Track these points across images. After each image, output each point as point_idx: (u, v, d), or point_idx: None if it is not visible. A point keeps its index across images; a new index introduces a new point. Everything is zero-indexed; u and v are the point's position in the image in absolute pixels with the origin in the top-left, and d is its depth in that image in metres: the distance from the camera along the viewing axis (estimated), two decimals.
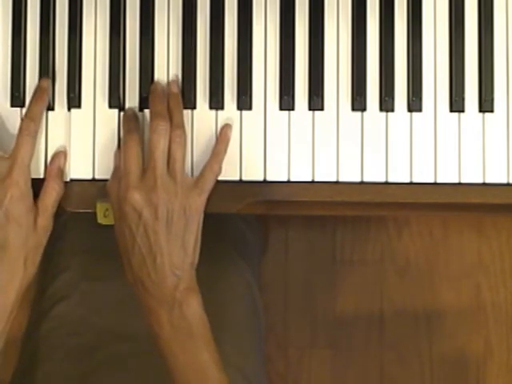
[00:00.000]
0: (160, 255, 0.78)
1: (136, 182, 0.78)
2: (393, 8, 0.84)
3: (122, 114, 0.83)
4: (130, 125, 0.82)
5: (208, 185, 0.81)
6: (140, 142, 0.80)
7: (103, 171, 0.83)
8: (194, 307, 0.78)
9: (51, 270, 0.97)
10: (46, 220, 0.81)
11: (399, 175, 0.83)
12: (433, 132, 0.84)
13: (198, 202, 0.80)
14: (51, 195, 0.81)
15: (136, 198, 0.77)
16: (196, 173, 0.82)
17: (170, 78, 0.84)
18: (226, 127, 0.83)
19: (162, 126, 0.79)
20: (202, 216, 0.80)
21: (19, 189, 0.79)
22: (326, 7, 0.84)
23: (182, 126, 0.81)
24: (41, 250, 0.81)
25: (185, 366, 0.77)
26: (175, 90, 0.83)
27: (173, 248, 0.78)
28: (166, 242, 0.78)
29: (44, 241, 0.82)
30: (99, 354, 0.91)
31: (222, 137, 0.83)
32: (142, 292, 0.79)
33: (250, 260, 1.05)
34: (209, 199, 0.81)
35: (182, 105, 0.83)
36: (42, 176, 0.83)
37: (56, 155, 0.83)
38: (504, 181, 0.84)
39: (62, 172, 0.83)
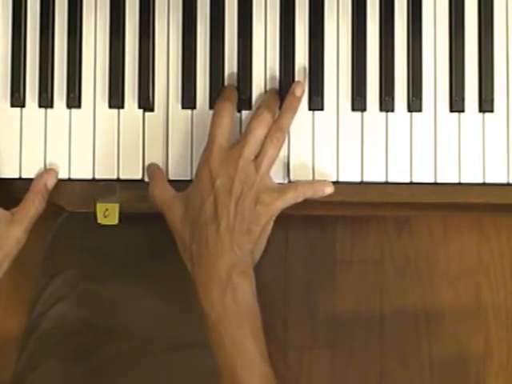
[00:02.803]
0: (225, 224, 0.75)
1: (219, 151, 0.77)
2: (393, 8, 0.84)
3: (121, 111, 0.84)
4: (227, 93, 0.81)
5: (287, 198, 0.78)
6: (232, 114, 0.79)
7: (103, 171, 0.83)
8: (248, 293, 0.76)
9: (50, 269, 0.97)
10: (19, 231, 0.78)
11: (399, 175, 0.83)
12: (433, 132, 0.84)
13: (273, 205, 0.77)
14: (29, 209, 0.79)
15: (215, 163, 0.76)
16: (194, 174, 0.82)
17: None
18: (325, 185, 0.81)
19: (264, 117, 0.79)
20: (272, 220, 0.78)
21: None
22: (326, 7, 0.84)
23: (284, 131, 0.80)
24: (7, 262, 0.78)
25: (231, 353, 0.74)
26: (299, 93, 0.82)
27: (238, 226, 0.76)
28: (232, 217, 0.76)
29: (13, 252, 0.79)
30: (98, 354, 0.91)
31: (318, 187, 0.81)
32: (197, 267, 0.76)
33: None
34: None
35: (296, 111, 0.82)
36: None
37: (48, 173, 0.82)
38: (504, 181, 0.84)
39: (47, 190, 0.81)
